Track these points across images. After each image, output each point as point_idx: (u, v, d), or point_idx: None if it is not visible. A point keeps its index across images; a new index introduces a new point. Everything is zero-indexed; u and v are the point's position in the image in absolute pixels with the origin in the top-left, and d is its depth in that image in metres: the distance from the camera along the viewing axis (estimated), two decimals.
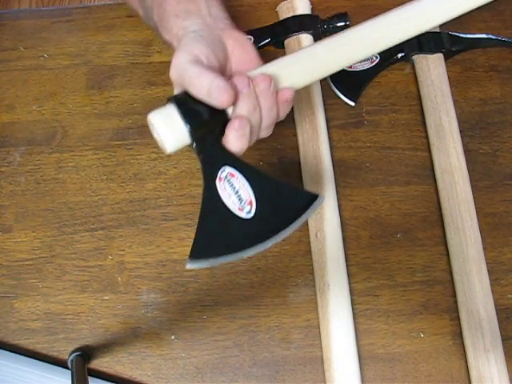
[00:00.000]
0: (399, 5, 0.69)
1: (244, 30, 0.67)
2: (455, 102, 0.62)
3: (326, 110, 0.63)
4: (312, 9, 0.67)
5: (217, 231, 0.43)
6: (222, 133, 0.43)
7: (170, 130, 0.42)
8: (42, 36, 0.68)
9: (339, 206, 0.59)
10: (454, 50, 0.64)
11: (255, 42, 0.65)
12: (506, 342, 0.54)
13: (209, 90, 0.41)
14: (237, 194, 0.43)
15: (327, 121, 0.62)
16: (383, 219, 0.59)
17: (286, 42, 0.65)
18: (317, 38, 0.65)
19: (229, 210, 0.42)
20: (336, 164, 0.61)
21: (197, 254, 0.42)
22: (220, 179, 0.43)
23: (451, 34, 0.64)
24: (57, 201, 0.61)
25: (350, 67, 0.64)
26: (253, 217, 0.43)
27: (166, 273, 0.58)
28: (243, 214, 0.43)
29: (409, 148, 0.62)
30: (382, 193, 0.60)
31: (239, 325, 0.56)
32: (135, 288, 0.57)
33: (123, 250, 0.59)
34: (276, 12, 0.68)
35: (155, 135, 0.44)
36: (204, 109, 0.42)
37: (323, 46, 0.48)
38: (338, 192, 0.60)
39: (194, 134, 0.42)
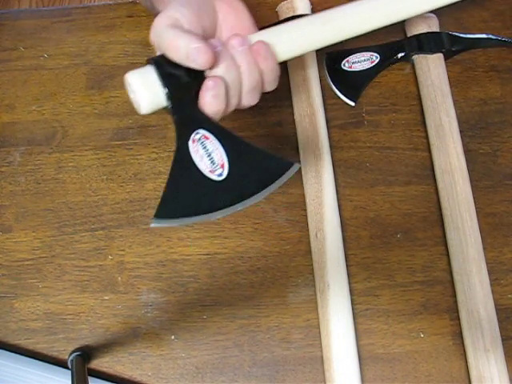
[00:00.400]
0: None
1: None
2: (455, 102, 0.62)
3: (326, 110, 0.63)
4: (312, 9, 0.67)
5: (185, 192, 0.42)
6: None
7: (146, 91, 0.42)
8: (41, 36, 0.68)
9: (339, 206, 0.59)
10: (453, 49, 0.64)
11: None
12: (506, 342, 0.54)
13: (187, 52, 0.41)
14: (209, 156, 0.42)
15: (327, 121, 0.62)
16: (383, 219, 0.59)
17: None
18: None
19: (200, 171, 0.42)
20: (336, 164, 0.61)
21: (162, 212, 0.41)
22: (193, 141, 0.42)
23: (451, 34, 0.64)
24: (57, 201, 0.61)
25: (350, 67, 0.64)
26: (224, 179, 0.42)
27: (165, 273, 0.58)
28: (214, 177, 0.42)
29: (409, 148, 0.62)
30: (382, 193, 0.60)
31: (239, 325, 0.56)
32: (135, 288, 0.57)
33: (123, 250, 0.59)
34: (276, 12, 0.68)
35: (131, 95, 0.43)
36: (182, 71, 0.42)
37: (313, 17, 0.48)
38: (338, 192, 0.60)
39: (170, 96, 0.42)
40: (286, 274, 0.58)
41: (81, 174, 0.62)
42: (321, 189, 0.58)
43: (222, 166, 0.42)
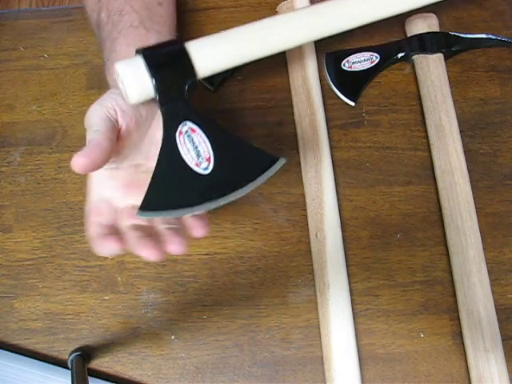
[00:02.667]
0: None
1: None
2: (455, 102, 0.62)
3: (326, 110, 0.63)
4: None
5: (171, 184, 0.42)
6: (189, 87, 0.44)
7: (134, 81, 0.42)
8: (42, 36, 0.68)
9: (339, 206, 0.59)
10: (454, 49, 0.64)
11: None
12: (506, 342, 0.54)
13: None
14: (196, 149, 0.42)
15: (327, 121, 0.62)
16: (383, 219, 0.59)
17: None
18: None
19: (186, 164, 0.42)
20: (336, 164, 0.61)
21: (148, 204, 0.41)
22: (180, 133, 0.43)
23: (451, 34, 0.64)
24: (57, 201, 0.61)
25: (350, 67, 0.64)
26: (209, 173, 0.42)
27: (165, 273, 0.58)
28: (200, 170, 0.42)
29: (409, 148, 0.62)
30: (382, 193, 0.60)
31: (239, 325, 0.56)
32: (135, 288, 0.57)
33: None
34: (276, 12, 0.68)
35: (120, 85, 0.43)
36: (172, 63, 0.43)
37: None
38: (338, 192, 0.60)
39: (158, 87, 0.42)
40: (286, 274, 0.58)
41: (81, 173, 0.62)
42: (321, 189, 0.58)
43: (208, 160, 0.42)
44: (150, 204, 0.41)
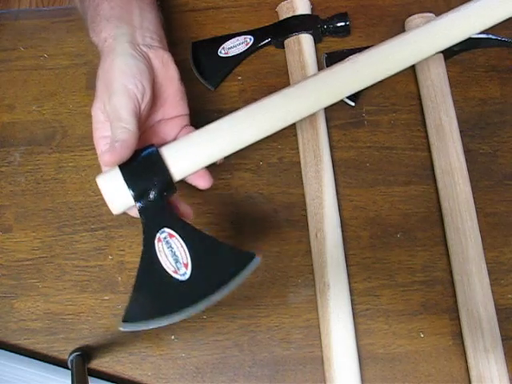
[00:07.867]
0: (398, 5, 0.69)
1: (244, 29, 0.67)
2: (455, 102, 0.62)
3: (326, 110, 0.63)
4: (312, 9, 0.67)
5: (152, 294, 0.43)
6: (166, 194, 0.45)
7: (114, 194, 0.44)
8: (41, 36, 0.68)
9: (339, 206, 0.59)
10: (454, 50, 0.64)
11: (255, 42, 0.65)
12: (505, 342, 0.54)
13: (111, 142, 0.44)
14: (174, 255, 0.43)
15: (327, 121, 0.62)
16: (383, 219, 0.59)
17: (286, 42, 0.65)
18: (317, 38, 0.65)
19: (165, 271, 0.43)
20: (336, 164, 0.61)
21: (131, 317, 0.42)
22: (159, 240, 0.44)
23: None
24: (57, 201, 0.61)
25: None
26: (188, 279, 0.43)
27: None
28: (178, 276, 0.43)
29: (409, 148, 0.62)
30: (382, 193, 0.60)
31: (239, 325, 0.56)
32: None
33: (123, 250, 0.59)
34: (276, 12, 0.68)
35: (103, 196, 0.45)
36: (147, 172, 0.44)
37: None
38: (338, 192, 0.60)
39: (137, 197, 0.44)
40: (286, 274, 0.58)
41: (81, 174, 0.62)
42: (321, 189, 0.58)
43: (186, 266, 0.43)
44: (133, 317, 0.42)
